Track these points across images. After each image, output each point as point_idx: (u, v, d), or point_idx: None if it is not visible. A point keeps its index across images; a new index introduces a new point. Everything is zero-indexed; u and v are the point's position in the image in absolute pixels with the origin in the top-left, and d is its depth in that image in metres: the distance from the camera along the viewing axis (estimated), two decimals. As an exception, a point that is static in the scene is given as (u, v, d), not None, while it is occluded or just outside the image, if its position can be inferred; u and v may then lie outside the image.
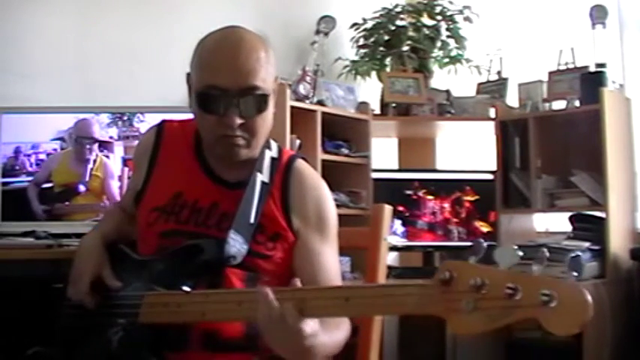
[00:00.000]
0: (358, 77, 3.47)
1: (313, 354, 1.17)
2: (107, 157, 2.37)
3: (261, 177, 1.40)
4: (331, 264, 1.42)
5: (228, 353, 1.33)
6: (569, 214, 3.02)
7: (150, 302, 1.28)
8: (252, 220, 1.36)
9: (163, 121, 1.54)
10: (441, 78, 3.58)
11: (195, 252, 1.33)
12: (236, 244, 1.32)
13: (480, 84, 3.52)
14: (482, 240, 1.02)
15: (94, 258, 1.40)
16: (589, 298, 0.89)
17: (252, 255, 1.36)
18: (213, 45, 1.35)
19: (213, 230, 1.38)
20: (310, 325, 1.12)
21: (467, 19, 3.49)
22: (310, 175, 1.47)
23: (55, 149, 2.34)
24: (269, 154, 1.44)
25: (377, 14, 3.54)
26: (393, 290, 1.06)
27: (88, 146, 2.35)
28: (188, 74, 1.41)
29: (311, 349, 1.15)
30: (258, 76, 1.32)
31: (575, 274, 0.93)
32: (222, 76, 1.31)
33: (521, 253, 0.96)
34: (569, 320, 0.89)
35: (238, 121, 1.32)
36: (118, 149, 2.37)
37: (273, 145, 1.47)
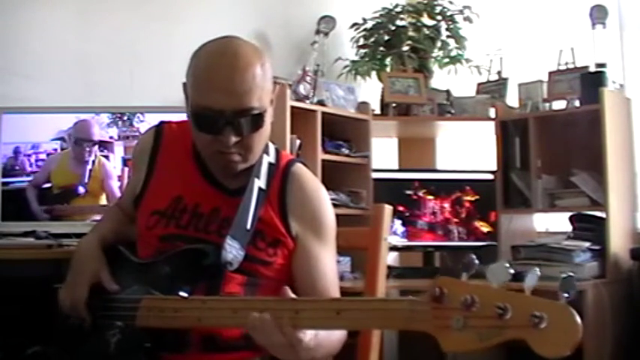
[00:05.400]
0: (358, 77, 3.47)
1: (313, 355, 1.17)
2: (107, 157, 2.37)
3: (259, 183, 1.39)
4: (329, 269, 1.42)
5: (228, 353, 1.34)
6: (570, 214, 3.02)
7: (147, 306, 1.27)
8: (248, 226, 1.35)
9: (162, 123, 1.53)
10: (441, 78, 3.58)
11: (197, 257, 1.33)
12: (232, 251, 1.32)
13: (479, 84, 3.52)
14: (473, 256, 1.02)
15: (91, 264, 1.39)
16: (579, 320, 0.88)
17: (253, 261, 1.36)
18: (208, 62, 1.31)
19: (213, 236, 1.38)
20: (307, 336, 1.12)
21: (467, 19, 3.49)
22: (308, 179, 1.46)
23: (55, 149, 2.35)
24: (267, 160, 1.43)
25: (377, 14, 3.54)
26: (385, 305, 1.07)
27: (87, 148, 2.35)
28: (184, 84, 1.38)
29: (310, 351, 1.15)
30: (254, 97, 1.29)
31: (566, 295, 0.93)
32: (217, 98, 1.28)
33: (512, 271, 0.95)
34: (558, 342, 0.88)
35: (234, 139, 1.30)
36: (118, 149, 2.37)
37: (272, 149, 1.46)
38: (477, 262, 1.01)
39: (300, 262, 1.40)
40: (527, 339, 0.89)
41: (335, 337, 1.29)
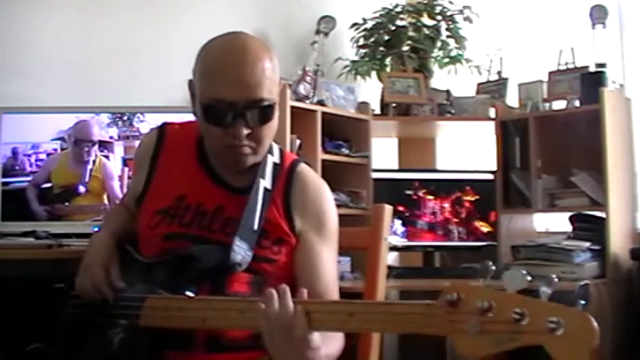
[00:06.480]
0: (358, 77, 3.47)
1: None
2: (107, 157, 2.37)
3: (264, 183, 1.40)
4: (328, 266, 1.43)
5: (233, 353, 1.34)
6: (570, 214, 3.02)
7: (152, 305, 1.27)
8: (255, 227, 1.36)
9: (164, 124, 1.54)
10: (441, 78, 3.58)
11: (204, 257, 1.33)
12: (241, 251, 1.33)
13: (479, 84, 3.52)
14: (490, 263, 1.02)
15: (104, 253, 1.41)
16: (596, 326, 0.89)
17: (258, 259, 1.36)
18: (218, 55, 1.33)
19: (217, 234, 1.38)
20: (315, 337, 1.12)
21: (467, 19, 3.49)
22: (313, 178, 1.48)
23: (55, 149, 2.34)
24: (271, 160, 1.44)
25: (377, 14, 3.54)
26: (399, 308, 1.06)
27: (86, 149, 2.35)
28: (190, 81, 1.40)
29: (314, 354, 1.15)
30: (265, 88, 1.32)
31: (582, 302, 0.94)
32: (228, 89, 1.30)
33: (529, 278, 0.95)
34: (575, 348, 0.89)
35: (245, 131, 1.32)
36: (118, 149, 2.37)
37: (275, 149, 1.47)
38: (493, 268, 1.02)
39: (300, 257, 1.41)
40: (545, 344, 0.90)
41: (333, 349, 1.29)
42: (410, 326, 1.05)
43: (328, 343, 1.23)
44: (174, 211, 1.41)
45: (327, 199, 1.47)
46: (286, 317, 1.11)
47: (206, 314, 1.21)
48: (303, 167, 1.48)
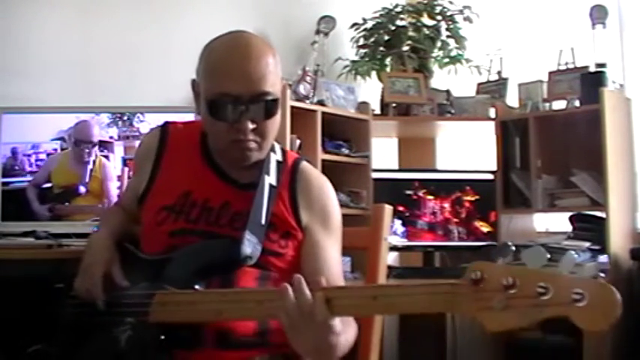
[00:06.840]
0: (358, 77, 3.47)
1: (335, 353, 1.19)
2: (107, 157, 2.37)
3: (269, 179, 1.42)
4: (334, 258, 1.45)
5: (240, 350, 1.34)
6: (570, 214, 3.02)
7: (161, 301, 1.27)
8: (263, 221, 1.38)
9: (167, 123, 1.54)
10: (441, 78, 3.58)
11: (215, 251, 1.34)
12: (251, 245, 1.34)
13: (479, 84, 3.52)
14: (509, 242, 1.05)
15: (105, 253, 1.40)
16: (618, 296, 0.93)
17: (266, 253, 1.38)
18: (222, 52, 1.36)
19: (226, 229, 1.39)
20: (337, 323, 1.13)
21: (467, 19, 3.49)
22: (316, 175, 1.51)
23: (55, 149, 2.34)
24: (274, 157, 1.46)
25: (377, 14, 3.54)
26: (423, 289, 1.08)
27: (86, 150, 2.35)
28: (193, 80, 1.42)
29: (333, 347, 1.16)
30: (269, 82, 1.34)
31: (602, 275, 0.98)
32: (233, 83, 1.32)
33: (548, 255, 0.98)
34: (599, 317, 0.93)
35: (251, 126, 1.34)
36: (118, 149, 2.37)
37: (277, 148, 1.49)
38: (513, 248, 1.05)
39: (307, 252, 1.43)
40: (570, 315, 0.93)
41: (350, 336, 1.30)
42: (436, 306, 1.06)
43: (345, 329, 1.24)
44: (179, 208, 1.42)
45: (330, 196, 1.50)
46: (306, 306, 1.11)
47: (222, 307, 1.21)
48: (305, 165, 1.51)
